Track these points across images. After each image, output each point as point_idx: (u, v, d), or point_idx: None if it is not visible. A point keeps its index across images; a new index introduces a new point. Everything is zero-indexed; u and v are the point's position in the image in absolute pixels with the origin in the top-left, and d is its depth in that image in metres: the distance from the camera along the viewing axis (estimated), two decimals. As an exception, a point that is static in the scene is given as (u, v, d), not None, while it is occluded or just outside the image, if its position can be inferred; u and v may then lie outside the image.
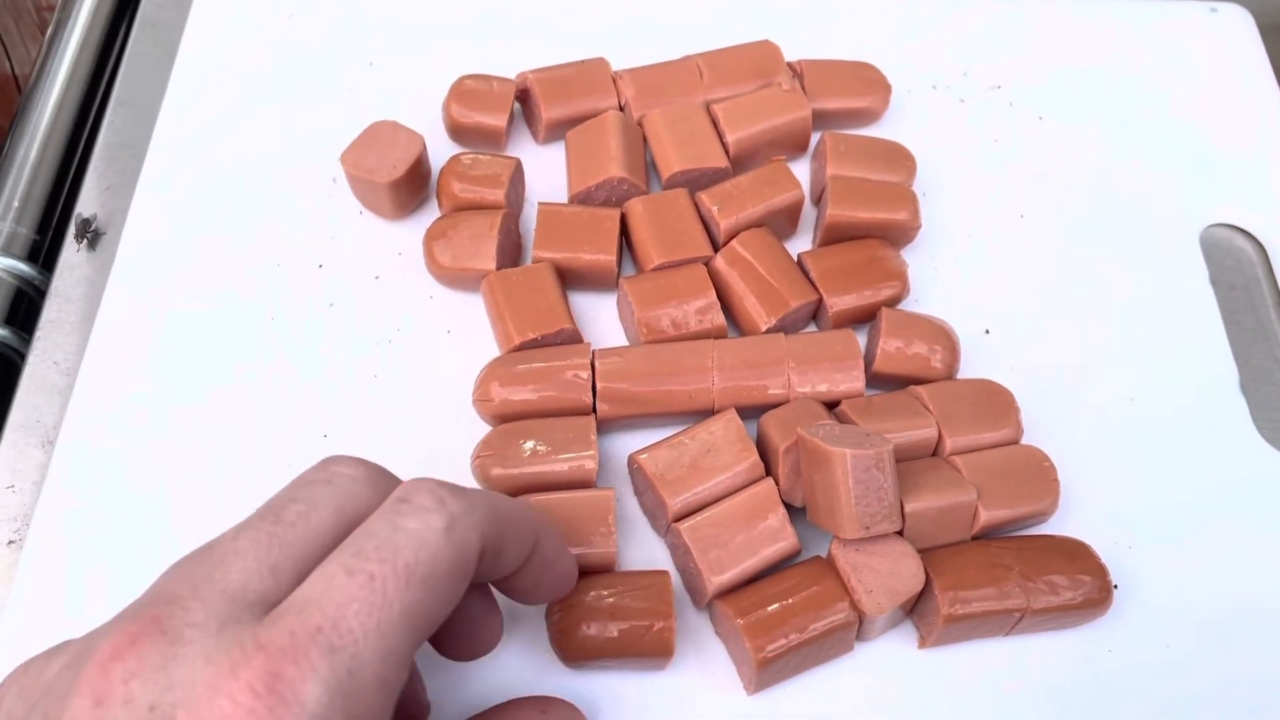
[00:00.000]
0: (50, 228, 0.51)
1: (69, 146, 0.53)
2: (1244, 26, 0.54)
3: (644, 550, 0.39)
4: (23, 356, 0.45)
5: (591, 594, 0.36)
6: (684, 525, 0.37)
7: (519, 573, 0.31)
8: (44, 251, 0.50)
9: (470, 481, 0.39)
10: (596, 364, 0.40)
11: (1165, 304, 0.46)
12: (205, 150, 0.47)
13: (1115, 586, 0.38)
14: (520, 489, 0.38)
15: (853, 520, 0.35)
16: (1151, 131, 0.51)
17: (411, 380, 0.42)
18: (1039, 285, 0.46)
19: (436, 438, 0.41)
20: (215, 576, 0.24)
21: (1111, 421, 0.43)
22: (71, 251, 0.46)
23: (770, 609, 0.36)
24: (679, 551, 0.38)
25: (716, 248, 0.44)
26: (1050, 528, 0.40)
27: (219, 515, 0.38)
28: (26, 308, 0.48)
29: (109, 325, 0.43)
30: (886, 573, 0.36)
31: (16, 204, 0.50)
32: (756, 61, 0.48)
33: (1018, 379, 0.42)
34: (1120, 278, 0.46)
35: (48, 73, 0.55)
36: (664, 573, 0.37)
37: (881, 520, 0.36)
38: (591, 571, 0.37)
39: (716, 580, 0.36)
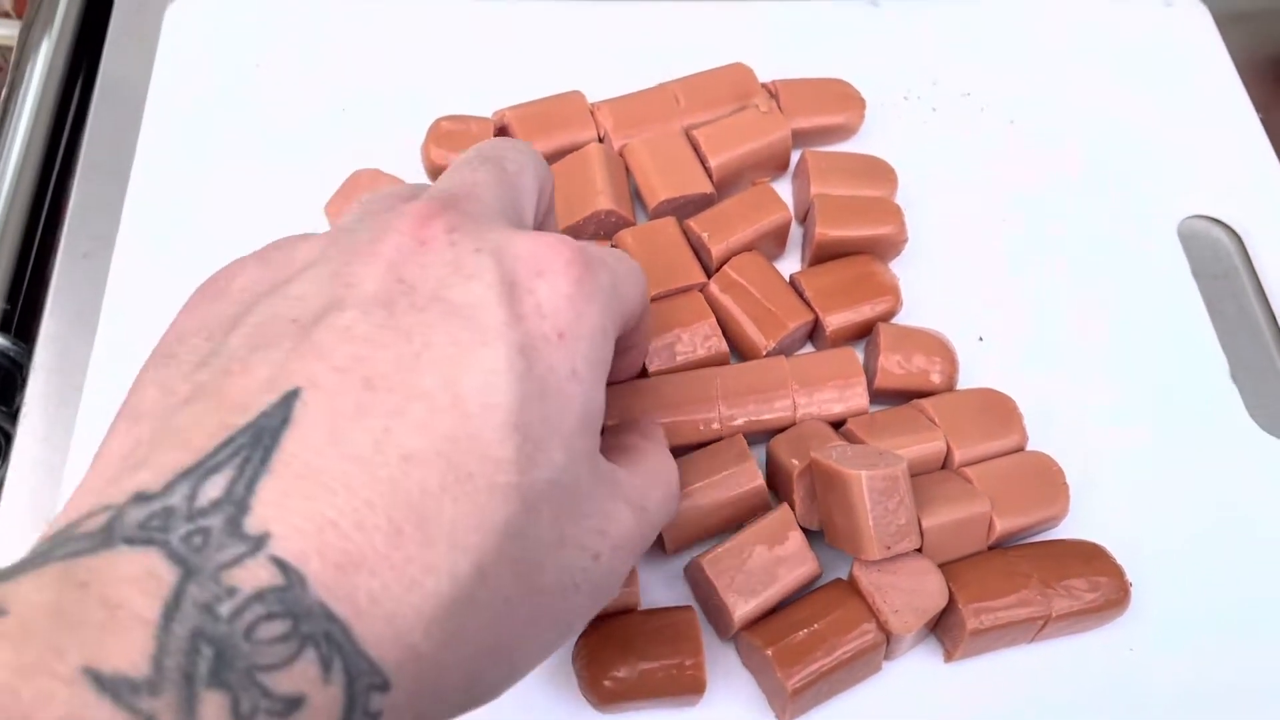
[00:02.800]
0: (19, 296, 0.49)
1: (33, 210, 0.51)
2: (1201, 20, 0.55)
3: (656, 573, 0.39)
4: (5, 434, 0.44)
5: (618, 635, 0.36)
6: (705, 559, 0.37)
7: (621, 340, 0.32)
8: (15, 321, 0.49)
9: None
10: None
11: (1151, 299, 0.46)
12: (182, 212, 0.46)
13: (1131, 585, 0.39)
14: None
15: (873, 541, 0.35)
16: (1119, 129, 0.52)
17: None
18: (1026, 290, 0.46)
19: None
20: (476, 191, 0.26)
21: (1109, 420, 0.43)
22: (52, 321, 0.45)
23: (798, 636, 0.36)
24: (700, 586, 0.38)
25: (709, 274, 0.44)
26: (1062, 532, 0.40)
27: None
28: (2, 380, 0.47)
29: (99, 401, 0.42)
30: (910, 591, 0.36)
31: (-16, 274, 0.49)
32: (732, 84, 0.48)
33: (1014, 385, 0.43)
34: (1105, 276, 0.47)
35: (5, 136, 0.54)
36: (689, 609, 0.37)
37: (902, 539, 0.36)
38: (614, 613, 0.37)
39: (742, 611, 0.36)
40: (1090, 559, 0.38)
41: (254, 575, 0.18)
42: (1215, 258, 0.49)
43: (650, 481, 0.29)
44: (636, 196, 0.47)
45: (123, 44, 0.53)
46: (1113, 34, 0.55)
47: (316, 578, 0.19)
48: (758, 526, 0.38)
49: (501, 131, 0.47)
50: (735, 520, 0.39)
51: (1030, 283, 0.47)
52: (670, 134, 0.47)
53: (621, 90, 0.49)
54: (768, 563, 0.37)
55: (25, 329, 0.48)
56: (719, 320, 0.43)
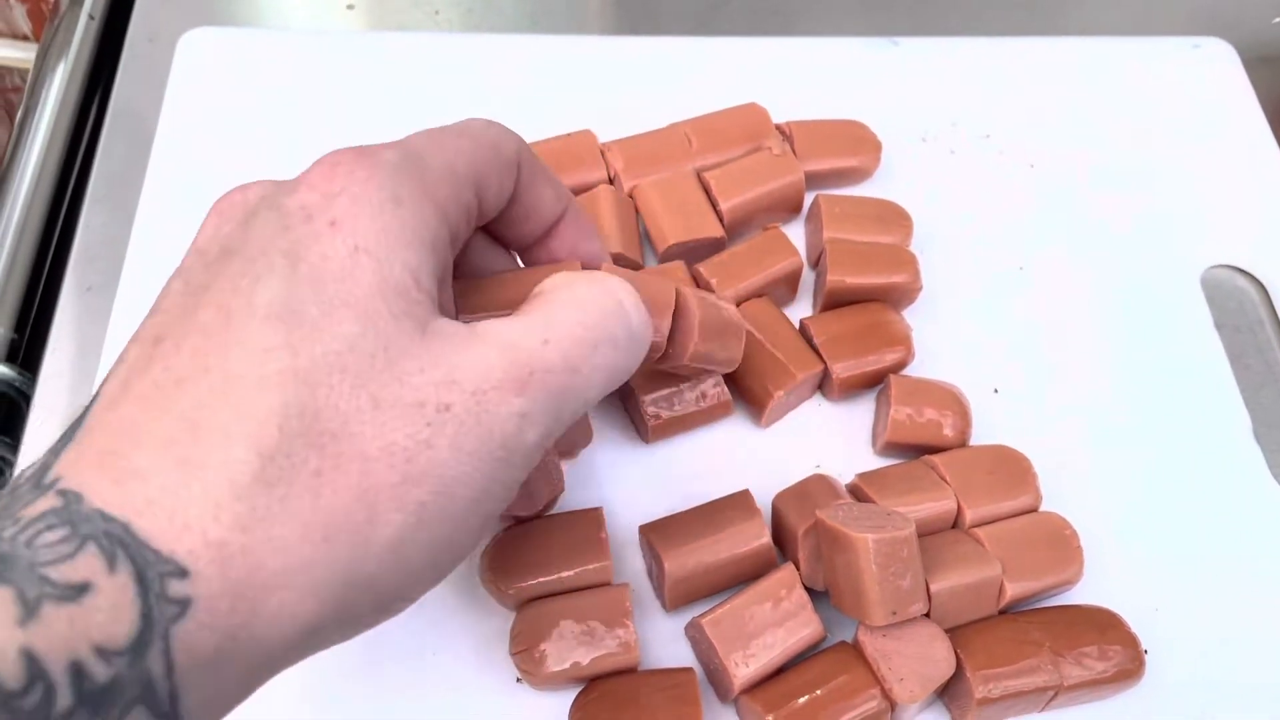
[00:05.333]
0: (28, 326, 0.49)
1: (43, 240, 0.51)
2: (1228, 61, 0.54)
3: (656, 632, 0.38)
4: (8, 463, 0.43)
5: (615, 695, 0.35)
6: (706, 620, 0.36)
7: (509, 211, 0.32)
8: (22, 351, 0.48)
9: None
10: None
11: (1172, 351, 0.45)
12: (188, 247, 0.46)
13: (1146, 653, 0.37)
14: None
15: (879, 606, 0.34)
16: (1142, 173, 0.50)
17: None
18: (1044, 339, 0.45)
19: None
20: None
21: (1126, 478, 0.42)
22: (55, 358, 0.45)
23: (799, 702, 0.35)
24: (701, 646, 0.37)
25: (717, 320, 0.43)
26: (1075, 596, 0.39)
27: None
28: (7, 410, 0.46)
29: (97, 437, 0.41)
30: (916, 658, 0.35)
31: (-8, 303, 0.49)
32: (744, 125, 0.48)
33: (1029, 439, 0.42)
34: (1125, 326, 0.46)
35: (18, 163, 0.53)
36: (689, 670, 0.36)
37: (908, 605, 0.35)
38: (612, 672, 0.36)
39: (743, 674, 0.35)
40: (1104, 627, 0.37)
41: (37, 506, 0.21)
42: (1240, 309, 0.47)
43: (553, 315, 0.27)
44: (646, 239, 0.46)
45: (133, 75, 0.53)
46: (1138, 76, 0.53)
47: (93, 493, 0.22)
48: (761, 586, 0.37)
49: (511, 170, 0.47)
50: (739, 578, 0.38)
51: (1048, 333, 0.46)
52: (681, 176, 0.46)
53: (633, 128, 0.48)
54: (770, 624, 0.36)
55: (34, 359, 0.47)
56: (727, 369, 0.42)
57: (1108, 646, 0.37)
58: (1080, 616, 0.38)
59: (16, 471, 0.42)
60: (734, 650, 0.36)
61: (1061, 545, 0.38)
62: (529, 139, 0.47)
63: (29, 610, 0.20)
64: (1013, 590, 0.37)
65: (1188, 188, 0.50)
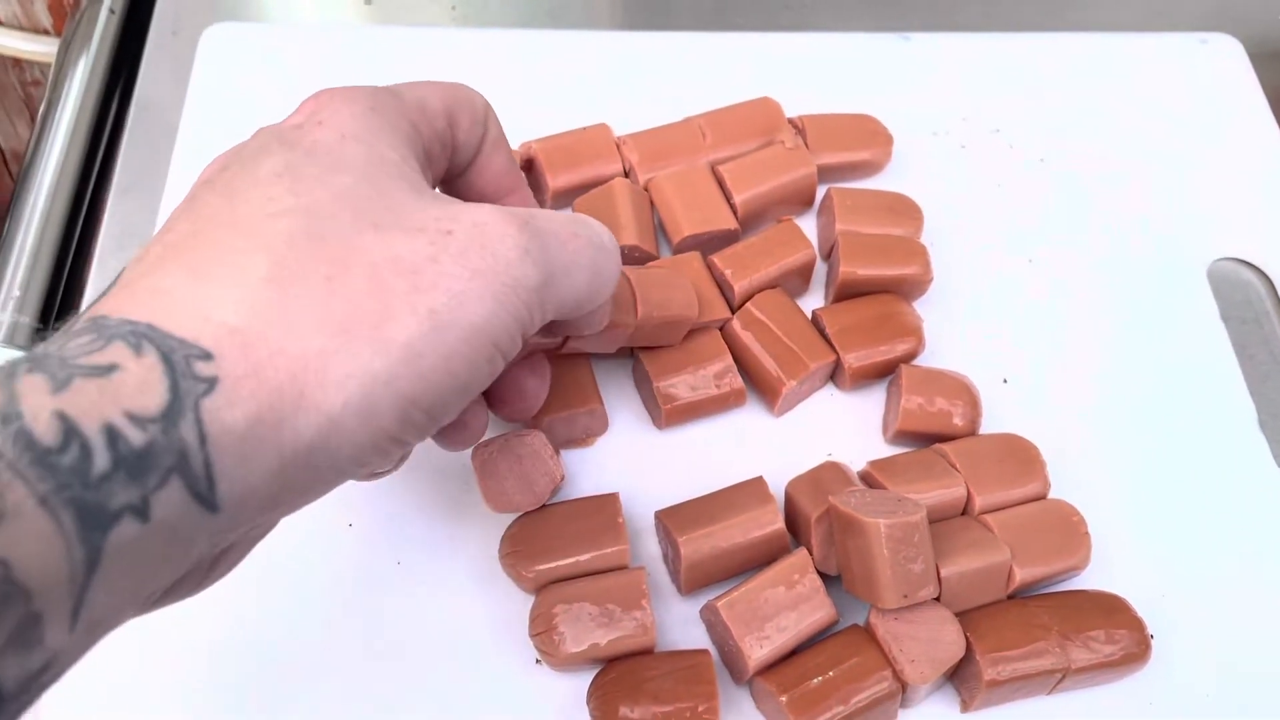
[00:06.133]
0: (52, 317, 0.50)
1: (66, 232, 0.52)
2: (1235, 56, 0.54)
3: (672, 615, 0.39)
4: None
5: (632, 676, 0.36)
6: (721, 603, 0.37)
7: (474, 163, 0.34)
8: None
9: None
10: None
11: (1179, 343, 0.46)
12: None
13: (1152, 637, 0.38)
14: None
15: (891, 590, 0.35)
16: (1150, 167, 0.51)
17: (422, 472, 0.42)
18: (1052, 331, 0.46)
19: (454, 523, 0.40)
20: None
21: (1133, 467, 0.43)
22: (81, 346, 0.46)
23: (813, 683, 0.36)
24: (716, 628, 0.38)
25: (732, 310, 0.44)
26: (1083, 582, 0.40)
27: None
28: (33, 399, 0.47)
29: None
30: (927, 641, 0.36)
31: (17, 293, 0.50)
32: (758, 119, 0.48)
33: (1038, 428, 0.42)
34: (1132, 319, 0.46)
35: (41, 155, 0.54)
36: (705, 652, 0.37)
37: (919, 588, 0.36)
38: (630, 654, 0.37)
39: (757, 656, 0.36)
40: (1111, 611, 0.38)
41: (71, 329, 0.23)
42: (1245, 301, 0.48)
43: (533, 211, 0.29)
44: (661, 231, 0.47)
45: (157, 68, 0.54)
46: (1146, 71, 0.54)
47: (117, 312, 0.23)
48: (775, 570, 0.38)
49: (528, 163, 0.48)
50: (754, 562, 0.39)
51: (1056, 324, 0.46)
52: (696, 169, 0.47)
53: (649, 122, 0.49)
54: (784, 607, 0.37)
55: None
56: (739, 358, 0.43)
57: (1114, 631, 0.37)
58: (1088, 601, 0.38)
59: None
60: (749, 632, 0.36)
61: (1069, 531, 0.39)
62: (546, 133, 0.48)
63: (60, 385, 0.21)
64: (1021, 575, 0.38)
65: (1195, 181, 0.51)
